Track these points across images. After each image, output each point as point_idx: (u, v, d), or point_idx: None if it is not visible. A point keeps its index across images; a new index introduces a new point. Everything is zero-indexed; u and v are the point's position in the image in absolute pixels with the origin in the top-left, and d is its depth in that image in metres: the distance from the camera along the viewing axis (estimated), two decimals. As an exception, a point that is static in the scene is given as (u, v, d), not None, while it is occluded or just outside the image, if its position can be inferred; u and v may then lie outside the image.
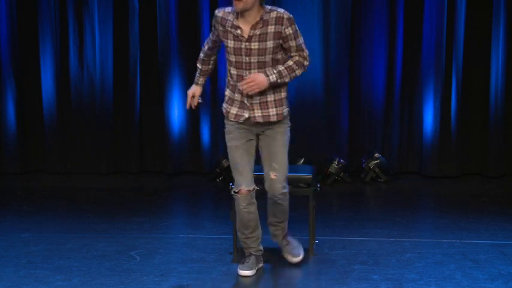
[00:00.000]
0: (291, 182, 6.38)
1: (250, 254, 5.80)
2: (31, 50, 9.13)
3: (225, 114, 5.62)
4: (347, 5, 8.82)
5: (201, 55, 5.84)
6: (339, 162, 8.89)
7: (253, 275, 5.72)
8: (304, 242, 6.49)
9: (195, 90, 5.82)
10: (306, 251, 6.36)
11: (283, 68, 5.42)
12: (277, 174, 5.56)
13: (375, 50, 8.96)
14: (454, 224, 7.27)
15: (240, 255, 5.98)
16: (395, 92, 8.99)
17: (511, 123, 8.88)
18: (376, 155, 8.95)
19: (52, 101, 9.20)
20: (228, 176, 8.38)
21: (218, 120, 9.09)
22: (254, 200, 5.64)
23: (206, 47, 5.78)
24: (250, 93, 5.36)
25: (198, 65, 5.89)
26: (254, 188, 5.60)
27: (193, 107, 5.85)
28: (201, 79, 5.85)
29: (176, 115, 9.16)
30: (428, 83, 8.89)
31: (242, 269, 5.75)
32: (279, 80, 5.39)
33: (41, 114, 9.22)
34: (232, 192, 5.64)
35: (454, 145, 8.95)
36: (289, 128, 5.68)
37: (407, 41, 8.92)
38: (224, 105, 5.64)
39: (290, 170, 6.63)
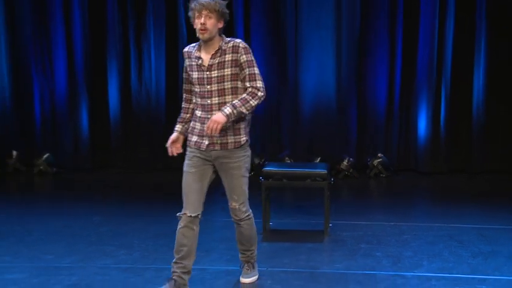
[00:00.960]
0: (310, 177, 6.41)
1: (172, 279, 4.88)
2: (100, 70, 9.20)
3: (188, 143, 4.91)
4: (355, 33, 8.81)
5: (183, 104, 5.02)
6: (348, 161, 8.89)
7: None
8: (320, 225, 6.51)
9: (174, 136, 4.94)
10: (321, 233, 6.39)
11: (236, 100, 4.72)
12: (237, 204, 4.93)
13: (378, 69, 8.94)
14: (443, 211, 7.26)
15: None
16: (395, 103, 8.96)
17: (490, 130, 8.83)
18: (379, 154, 8.93)
19: (117, 111, 9.27)
20: (258, 171, 8.39)
21: (252, 125, 9.08)
22: (194, 227, 4.84)
23: (184, 88, 4.98)
24: (214, 132, 4.64)
25: (180, 115, 5.03)
26: (198, 215, 4.83)
27: (174, 153, 4.95)
28: (178, 126, 4.97)
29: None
30: (422, 97, 8.86)
31: None
32: (234, 111, 4.65)
33: (107, 121, 9.29)
34: (178, 214, 4.88)
35: (444, 147, 8.92)
36: (247, 156, 4.93)
37: (405, 62, 8.90)
38: (188, 136, 4.94)
39: (309, 167, 6.68)
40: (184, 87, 4.99)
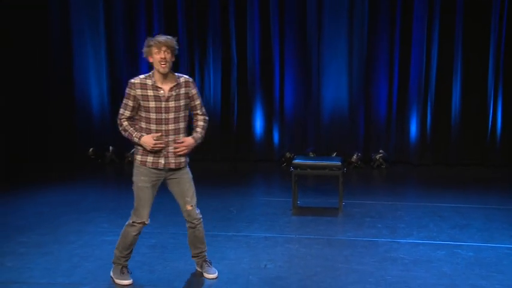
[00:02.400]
0: (328, 167, 6.39)
1: (123, 267, 4.50)
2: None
3: (139, 164, 4.36)
4: (362, 59, 8.73)
5: (125, 123, 4.35)
6: (357, 155, 8.82)
7: (131, 283, 4.47)
8: (336, 204, 6.48)
9: (149, 136, 4.29)
10: (336, 209, 6.37)
11: (200, 130, 4.48)
12: (192, 205, 4.47)
13: (380, 87, 8.83)
14: (429, 193, 7.17)
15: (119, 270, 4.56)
16: (393, 112, 8.84)
17: (464, 132, 8.69)
18: (381, 150, 8.85)
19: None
20: (289, 162, 8.38)
21: (285, 128, 9.09)
22: (141, 231, 4.46)
23: (128, 115, 4.33)
24: (181, 153, 4.34)
25: (128, 130, 4.33)
26: (148, 223, 4.42)
27: (159, 145, 4.30)
28: (137, 133, 4.34)
29: (258, 124, 9.17)
30: (413, 108, 8.74)
31: (122, 280, 4.47)
32: (200, 140, 4.49)
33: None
34: (132, 222, 4.40)
35: (429, 145, 8.80)
36: (189, 168, 4.51)
37: (400, 81, 8.77)
38: (138, 157, 4.37)
39: (327, 160, 6.66)
40: (128, 115, 4.34)
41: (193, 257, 4.68)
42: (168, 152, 4.34)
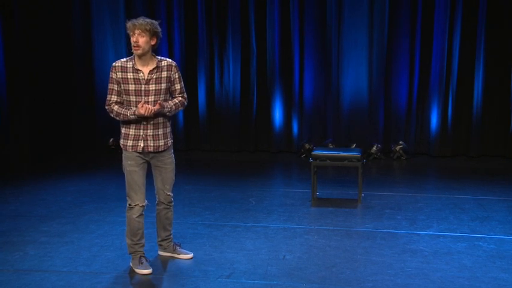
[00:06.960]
0: (347, 159, 6.36)
1: (141, 257, 4.49)
2: (192, 77, 9.26)
3: (123, 148, 4.37)
4: (383, 50, 8.68)
5: (115, 108, 4.30)
6: (377, 146, 8.78)
7: (151, 272, 4.43)
8: (355, 195, 6.45)
9: (139, 107, 4.21)
10: (355, 201, 6.34)
11: (175, 102, 4.39)
12: (169, 192, 4.53)
13: (400, 78, 8.80)
14: (449, 185, 7.11)
15: (134, 260, 4.54)
16: (413, 104, 8.80)
17: (485, 124, 8.63)
18: (400, 142, 8.81)
19: (204, 107, 9.32)
20: (308, 153, 8.37)
21: (304, 119, 9.07)
22: (143, 213, 4.44)
23: (115, 100, 4.30)
24: (149, 112, 4.18)
25: (121, 112, 4.27)
26: (146, 204, 4.43)
27: (146, 109, 4.20)
28: (130, 110, 4.27)
29: (277, 115, 9.18)
30: (434, 99, 8.69)
31: (142, 269, 4.44)
32: (168, 112, 4.33)
33: (197, 115, 9.36)
34: (128, 205, 4.40)
35: (450, 136, 8.74)
36: (173, 155, 4.51)
37: (421, 72, 8.73)
38: (121, 141, 4.38)
39: (347, 151, 6.61)
40: (115, 99, 4.31)
41: (162, 240, 4.72)
42: (147, 136, 4.32)
